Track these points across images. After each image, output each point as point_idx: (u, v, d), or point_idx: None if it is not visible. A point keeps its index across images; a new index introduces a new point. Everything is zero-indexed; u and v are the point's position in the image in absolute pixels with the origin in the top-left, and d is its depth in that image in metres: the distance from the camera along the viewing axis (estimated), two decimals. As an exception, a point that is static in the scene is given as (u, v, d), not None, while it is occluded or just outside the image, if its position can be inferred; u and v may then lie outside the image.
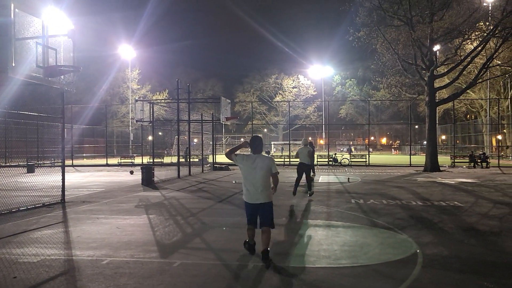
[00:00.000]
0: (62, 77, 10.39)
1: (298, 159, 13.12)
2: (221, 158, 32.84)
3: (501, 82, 39.19)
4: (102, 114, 46.28)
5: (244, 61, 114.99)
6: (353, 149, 54.08)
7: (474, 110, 47.09)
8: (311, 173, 18.88)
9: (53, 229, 8.02)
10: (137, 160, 33.44)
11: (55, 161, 31.27)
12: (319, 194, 13.35)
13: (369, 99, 47.93)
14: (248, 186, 5.77)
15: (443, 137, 55.14)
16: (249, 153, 5.94)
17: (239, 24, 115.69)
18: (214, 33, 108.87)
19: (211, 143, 29.41)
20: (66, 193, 11.81)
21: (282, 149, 58.66)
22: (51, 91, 39.79)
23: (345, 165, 30.13)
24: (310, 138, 63.42)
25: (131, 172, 21.84)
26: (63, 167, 11.82)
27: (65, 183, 11.83)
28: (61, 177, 11.59)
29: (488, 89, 39.14)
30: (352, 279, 5.00)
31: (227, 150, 6.08)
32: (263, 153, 6.12)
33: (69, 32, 10.26)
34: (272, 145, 65.72)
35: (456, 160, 29.20)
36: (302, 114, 69.61)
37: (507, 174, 20.68)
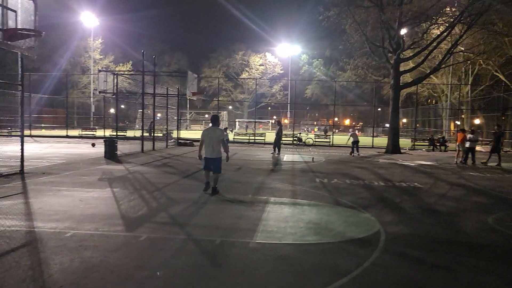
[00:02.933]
0: (22, 41, 9.83)
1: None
2: (186, 134, 32.47)
3: (463, 69, 40.47)
4: (63, 83, 44.49)
5: (211, 36, 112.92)
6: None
7: (435, 94, 48.53)
8: (277, 152, 19.52)
9: (12, 200, 7.72)
10: (99, 133, 32.54)
11: (12, 131, 29.92)
12: (284, 172, 13.50)
13: (335, 79, 48.23)
14: (207, 147, 8.82)
15: (404, 120, 56.66)
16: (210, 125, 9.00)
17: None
18: (181, 5, 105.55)
19: (175, 118, 28.90)
20: (25, 163, 11.34)
21: (247, 126, 58.77)
22: (7, 57, 37.65)
23: (309, 145, 30.52)
24: (275, 117, 63.94)
25: (93, 145, 21.25)
26: (22, 136, 11.32)
27: (24, 154, 11.36)
28: (20, 146, 11.12)
29: (450, 75, 40.39)
30: (318, 255, 5.12)
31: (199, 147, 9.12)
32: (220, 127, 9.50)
33: (30, -7, 9.68)
34: (237, 123, 65.54)
35: (416, 143, 30.20)
36: (268, 92, 69.56)
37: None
